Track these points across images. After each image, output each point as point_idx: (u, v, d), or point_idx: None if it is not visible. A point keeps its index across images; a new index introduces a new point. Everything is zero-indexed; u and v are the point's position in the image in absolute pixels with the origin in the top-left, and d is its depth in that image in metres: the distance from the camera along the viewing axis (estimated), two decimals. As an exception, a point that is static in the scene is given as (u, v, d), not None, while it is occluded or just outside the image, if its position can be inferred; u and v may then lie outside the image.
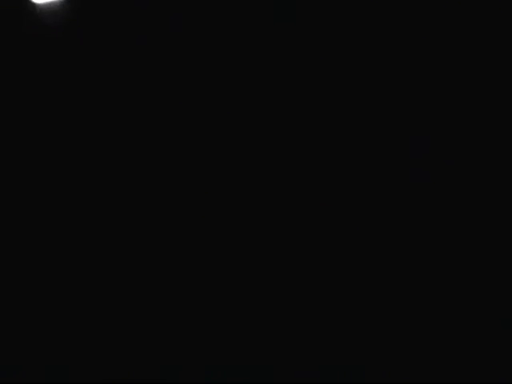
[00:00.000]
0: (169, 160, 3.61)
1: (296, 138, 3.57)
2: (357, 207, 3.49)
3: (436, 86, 3.51)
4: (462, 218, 3.43)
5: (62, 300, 3.54)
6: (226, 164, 3.59)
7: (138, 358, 3.47)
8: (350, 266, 3.45)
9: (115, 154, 3.62)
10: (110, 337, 3.50)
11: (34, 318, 3.53)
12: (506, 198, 3.41)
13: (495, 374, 3.27)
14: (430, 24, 3.51)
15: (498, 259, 3.37)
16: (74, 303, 3.54)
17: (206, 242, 3.54)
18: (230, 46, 3.62)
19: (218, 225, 3.55)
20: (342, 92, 3.56)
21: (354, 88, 3.56)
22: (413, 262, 3.42)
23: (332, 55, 3.57)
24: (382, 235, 3.45)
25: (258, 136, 3.59)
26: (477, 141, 3.47)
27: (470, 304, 3.35)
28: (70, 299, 3.54)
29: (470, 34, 3.50)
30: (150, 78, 3.65)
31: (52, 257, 3.58)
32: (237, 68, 3.62)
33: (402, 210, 3.47)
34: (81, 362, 3.48)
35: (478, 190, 3.43)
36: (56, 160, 3.63)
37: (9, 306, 3.54)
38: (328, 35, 3.57)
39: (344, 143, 3.54)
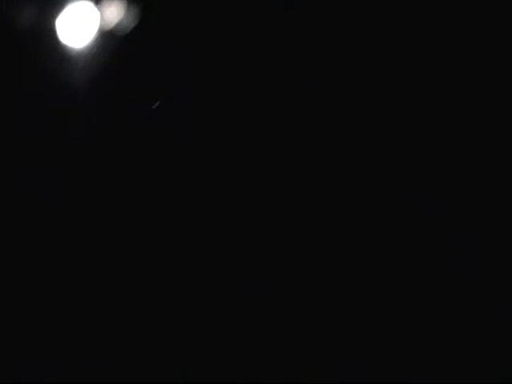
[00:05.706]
0: (169, 160, 3.64)
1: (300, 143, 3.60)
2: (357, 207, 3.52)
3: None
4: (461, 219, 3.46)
5: (61, 299, 3.55)
6: (227, 164, 3.62)
7: (138, 358, 3.48)
8: (349, 265, 3.47)
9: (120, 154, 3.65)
10: (109, 336, 3.51)
11: (34, 317, 3.54)
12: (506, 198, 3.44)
13: (495, 373, 3.28)
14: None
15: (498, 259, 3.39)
16: (73, 302, 3.55)
17: (205, 242, 3.56)
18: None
19: (217, 224, 3.57)
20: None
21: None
22: (412, 261, 3.44)
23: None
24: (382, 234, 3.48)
25: (259, 137, 3.62)
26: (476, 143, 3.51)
27: (470, 303, 3.37)
28: (69, 298, 3.55)
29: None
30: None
31: (51, 256, 3.59)
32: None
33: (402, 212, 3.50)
34: (80, 361, 3.49)
35: (477, 191, 3.47)
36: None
37: (8, 306, 3.55)
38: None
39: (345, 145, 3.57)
